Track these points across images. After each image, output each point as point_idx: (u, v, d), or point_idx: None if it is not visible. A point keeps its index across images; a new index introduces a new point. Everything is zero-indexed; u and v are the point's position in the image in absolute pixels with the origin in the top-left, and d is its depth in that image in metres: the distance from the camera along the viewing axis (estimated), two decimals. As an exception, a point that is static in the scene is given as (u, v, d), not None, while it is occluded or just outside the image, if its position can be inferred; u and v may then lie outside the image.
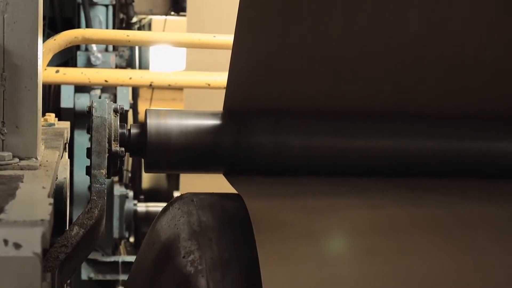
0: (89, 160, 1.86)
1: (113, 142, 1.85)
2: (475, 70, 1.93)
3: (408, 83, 1.93)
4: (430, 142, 2.01)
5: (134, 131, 1.91)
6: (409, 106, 1.97)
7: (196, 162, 1.89)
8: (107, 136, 1.82)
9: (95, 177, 1.76)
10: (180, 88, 6.63)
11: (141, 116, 7.18)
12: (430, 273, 1.63)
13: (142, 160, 1.98)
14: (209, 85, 4.19)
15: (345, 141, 1.95)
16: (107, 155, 1.80)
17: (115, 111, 1.88)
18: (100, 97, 5.18)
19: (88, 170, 1.82)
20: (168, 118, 1.90)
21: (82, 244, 1.67)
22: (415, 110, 1.98)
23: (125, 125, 1.92)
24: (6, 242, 1.12)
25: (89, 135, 1.88)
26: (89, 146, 1.86)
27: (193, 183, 4.87)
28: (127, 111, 5.26)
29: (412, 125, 2.00)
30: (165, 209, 1.86)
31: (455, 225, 1.77)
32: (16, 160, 1.68)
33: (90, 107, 1.86)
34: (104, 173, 1.77)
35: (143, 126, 1.91)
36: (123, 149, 1.86)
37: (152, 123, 1.88)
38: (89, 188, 1.81)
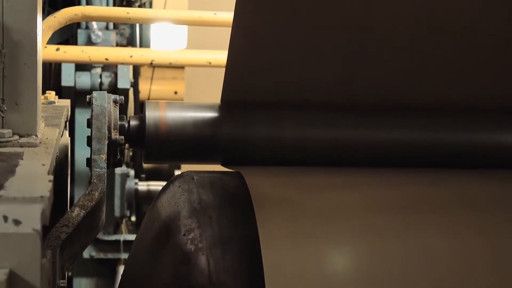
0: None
1: (112, 131, 1.89)
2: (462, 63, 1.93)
3: (400, 76, 1.93)
4: (423, 133, 2.02)
5: (133, 123, 1.95)
6: (401, 98, 1.97)
7: (194, 153, 1.91)
8: (106, 124, 1.86)
9: (95, 162, 1.80)
10: (181, 67, 6.62)
11: (142, 95, 7.17)
12: (436, 251, 1.63)
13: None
14: (210, 63, 4.17)
15: (342, 132, 1.96)
16: (107, 141, 1.84)
17: (115, 101, 1.92)
18: (100, 76, 5.17)
19: (88, 161, 1.86)
20: (167, 111, 1.94)
21: (83, 227, 1.69)
22: (408, 102, 1.99)
23: (125, 117, 1.96)
24: (5, 218, 1.12)
25: (90, 126, 1.92)
26: (89, 135, 1.89)
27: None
28: (128, 90, 5.24)
29: (409, 117, 2.01)
30: (165, 187, 1.86)
31: (461, 203, 1.77)
32: (16, 137, 1.68)
33: (90, 98, 1.91)
34: (104, 158, 1.81)
35: (142, 118, 1.95)
36: (122, 137, 1.90)
37: (151, 115, 1.92)
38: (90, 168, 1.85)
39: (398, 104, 1.98)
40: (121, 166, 1.98)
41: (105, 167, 1.80)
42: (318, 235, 1.62)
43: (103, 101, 1.90)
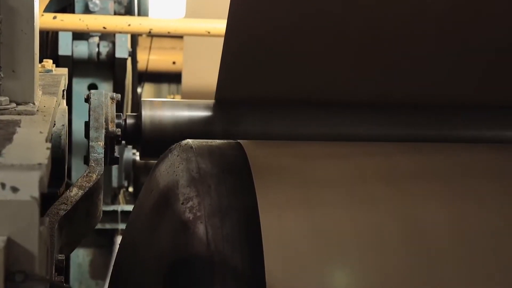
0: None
1: (110, 123, 2.00)
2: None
3: (388, 76, 1.95)
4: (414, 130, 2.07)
5: (129, 121, 2.06)
6: (392, 97, 2.01)
7: None
8: (104, 116, 1.98)
9: (93, 148, 1.93)
10: (179, 36, 6.58)
11: (140, 65, 7.13)
12: (430, 219, 1.63)
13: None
14: (209, 32, 4.15)
15: (333, 129, 2.03)
16: (104, 130, 1.96)
17: (112, 98, 2.04)
18: (98, 45, 5.13)
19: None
20: (162, 109, 2.03)
21: (81, 210, 1.75)
22: (398, 100, 2.03)
23: (121, 115, 2.08)
24: (3, 185, 1.11)
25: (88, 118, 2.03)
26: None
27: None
28: (125, 59, 5.21)
29: (399, 115, 2.08)
30: (164, 156, 1.85)
31: (456, 173, 1.76)
32: (13, 105, 1.66)
33: (88, 95, 2.04)
34: (101, 145, 1.92)
35: (138, 117, 2.06)
36: (119, 129, 2.01)
37: (147, 114, 2.02)
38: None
39: (388, 103, 2.01)
40: (117, 163, 2.07)
41: (102, 153, 1.91)
42: (316, 204, 1.61)
43: (100, 96, 2.02)
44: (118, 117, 2.04)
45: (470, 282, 1.57)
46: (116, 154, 2.08)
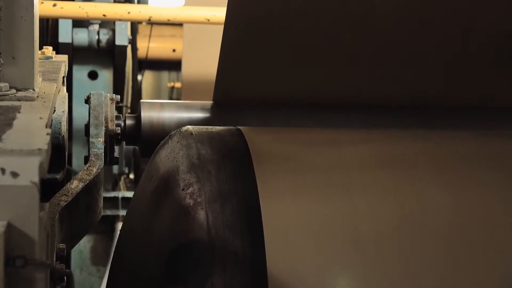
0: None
1: (109, 122, 2.06)
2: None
3: (386, 76, 1.96)
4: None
5: (129, 122, 2.12)
6: (388, 97, 2.03)
7: None
8: (103, 114, 2.04)
9: (93, 143, 1.98)
10: (179, 24, 6.56)
11: (140, 53, 7.12)
12: (431, 204, 1.63)
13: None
14: (208, 20, 4.14)
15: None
16: (103, 128, 2.01)
17: (111, 99, 2.10)
18: (98, 33, 5.12)
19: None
20: (161, 110, 2.09)
21: (82, 204, 1.78)
22: (394, 100, 2.05)
23: (121, 116, 2.14)
24: (3, 171, 1.11)
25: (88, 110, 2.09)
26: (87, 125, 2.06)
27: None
28: (125, 47, 5.20)
29: (394, 116, 2.11)
30: (164, 143, 1.85)
31: (456, 159, 1.77)
32: (13, 91, 1.66)
33: (88, 96, 2.09)
34: (101, 140, 1.98)
35: (137, 118, 2.11)
36: (119, 128, 2.06)
37: (146, 115, 2.08)
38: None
39: (385, 103, 2.01)
40: (118, 163, 2.11)
41: (102, 148, 1.96)
42: (316, 189, 1.62)
43: (100, 96, 2.08)
44: (117, 118, 2.09)
45: (473, 266, 1.57)
46: (116, 154, 2.14)
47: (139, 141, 2.11)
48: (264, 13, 1.77)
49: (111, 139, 2.06)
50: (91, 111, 2.05)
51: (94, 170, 1.85)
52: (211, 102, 2.10)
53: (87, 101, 2.10)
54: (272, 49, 1.87)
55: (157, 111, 2.10)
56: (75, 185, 1.75)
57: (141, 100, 2.18)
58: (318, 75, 1.96)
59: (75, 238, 1.88)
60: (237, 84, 1.99)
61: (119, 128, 2.08)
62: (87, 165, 1.88)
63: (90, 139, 2.00)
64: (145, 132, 2.08)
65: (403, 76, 1.97)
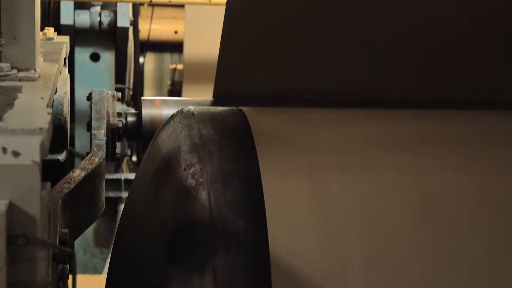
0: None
1: (111, 117, 2.08)
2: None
3: (387, 73, 1.94)
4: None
5: (130, 119, 2.15)
6: (387, 95, 2.01)
7: None
8: (105, 109, 2.06)
9: (95, 135, 2.00)
10: (181, 5, 6.54)
11: (142, 35, 7.09)
12: (431, 184, 1.63)
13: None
14: (210, 1, 4.13)
15: None
16: (105, 120, 2.03)
17: (112, 96, 2.13)
18: (100, 14, 5.11)
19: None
20: (162, 108, 2.12)
21: (84, 194, 1.80)
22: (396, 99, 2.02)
23: (122, 113, 2.18)
24: (4, 150, 1.11)
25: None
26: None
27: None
28: (127, 29, 5.19)
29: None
30: (166, 123, 1.85)
31: (454, 139, 1.76)
32: (15, 71, 1.66)
33: (90, 93, 2.12)
34: (103, 132, 2.00)
35: (138, 115, 2.15)
36: (120, 122, 2.09)
37: (147, 112, 2.12)
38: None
39: (385, 101, 2.00)
40: (118, 160, 2.12)
41: (104, 140, 1.98)
42: (318, 170, 1.61)
43: (102, 92, 2.10)
44: (119, 115, 2.12)
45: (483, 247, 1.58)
46: (117, 151, 2.19)
47: (140, 138, 2.15)
48: (265, 14, 1.76)
49: (113, 133, 2.09)
50: (93, 106, 2.08)
51: (96, 160, 1.88)
52: (211, 99, 2.11)
53: (89, 98, 2.13)
54: (272, 35, 1.86)
55: (158, 108, 2.13)
56: (77, 174, 1.78)
57: (142, 98, 2.21)
58: (319, 72, 1.96)
59: (77, 231, 1.89)
60: (237, 80, 1.98)
61: (121, 122, 2.12)
62: (89, 155, 1.92)
63: (92, 131, 2.02)
64: (146, 129, 2.11)
65: (406, 71, 1.96)
